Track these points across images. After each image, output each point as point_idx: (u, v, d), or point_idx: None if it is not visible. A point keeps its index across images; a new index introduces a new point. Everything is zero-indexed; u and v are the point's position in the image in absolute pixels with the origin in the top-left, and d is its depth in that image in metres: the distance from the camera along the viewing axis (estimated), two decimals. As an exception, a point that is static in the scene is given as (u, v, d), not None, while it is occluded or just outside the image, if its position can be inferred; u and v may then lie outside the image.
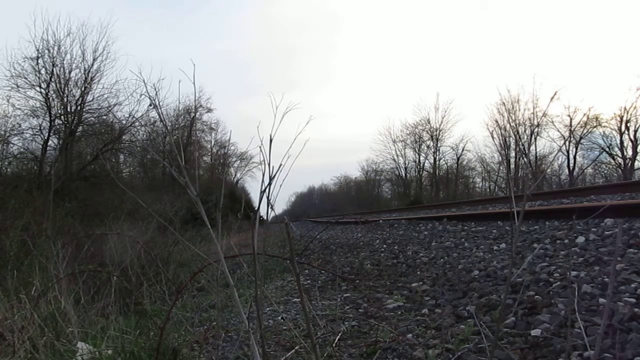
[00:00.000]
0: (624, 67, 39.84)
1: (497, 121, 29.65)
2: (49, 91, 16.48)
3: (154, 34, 52.81)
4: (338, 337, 2.20)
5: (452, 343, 1.86)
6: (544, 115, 26.59)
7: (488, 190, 32.85)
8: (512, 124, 28.87)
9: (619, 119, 23.56)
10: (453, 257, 3.66)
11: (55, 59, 16.61)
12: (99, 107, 17.72)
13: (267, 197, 1.23)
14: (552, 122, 26.42)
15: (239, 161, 36.97)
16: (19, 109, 15.83)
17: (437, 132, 34.36)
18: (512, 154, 29.76)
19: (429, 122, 34.45)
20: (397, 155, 36.87)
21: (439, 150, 34.71)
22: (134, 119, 17.82)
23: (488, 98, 40.09)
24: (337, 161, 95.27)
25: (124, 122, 18.02)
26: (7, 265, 4.73)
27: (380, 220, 8.76)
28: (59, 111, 16.86)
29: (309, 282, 4.09)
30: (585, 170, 26.80)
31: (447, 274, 3.15)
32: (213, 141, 34.95)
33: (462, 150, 33.81)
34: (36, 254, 4.03)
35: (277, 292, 3.89)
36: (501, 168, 31.02)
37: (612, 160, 25.12)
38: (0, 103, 20.19)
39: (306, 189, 72.13)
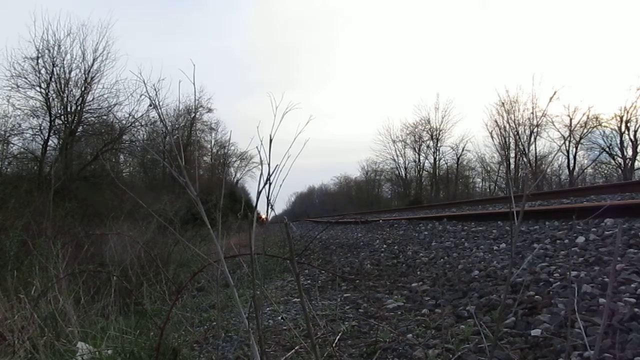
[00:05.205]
0: (624, 67, 39.92)
1: (496, 121, 29.70)
2: (49, 91, 16.49)
3: (154, 33, 52.90)
4: (338, 337, 2.20)
5: (452, 343, 1.86)
6: (544, 115, 26.63)
7: (488, 190, 32.85)
8: (511, 124, 28.91)
9: (619, 119, 23.60)
10: (453, 257, 3.66)
11: (55, 59, 16.62)
12: (99, 107, 17.75)
13: (267, 197, 1.23)
14: (552, 122, 26.46)
15: (239, 161, 37.00)
16: (19, 109, 15.85)
17: (437, 132, 34.41)
18: (512, 154, 29.80)
19: (429, 122, 34.51)
20: (397, 155, 36.92)
21: (439, 150, 34.77)
22: (134, 119, 17.84)
23: (488, 98, 40.08)
24: (337, 161, 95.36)
25: (124, 122, 18.05)
26: (7, 265, 4.72)
27: (380, 220, 8.75)
28: (59, 111, 16.87)
29: (309, 282, 4.09)
30: (585, 170, 26.83)
31: (447, 274, 3.15)
32: (213, 141, 34.99)
33: (462, 150, 33.86)
34: (36, 254, 4.03)
35: (277, 292, 3.89)
36: (501, 168, 31.03)
37: (612, 160, 25.15)
38: (0, 103, 20.25)
39: (306, 189, 72.21)
